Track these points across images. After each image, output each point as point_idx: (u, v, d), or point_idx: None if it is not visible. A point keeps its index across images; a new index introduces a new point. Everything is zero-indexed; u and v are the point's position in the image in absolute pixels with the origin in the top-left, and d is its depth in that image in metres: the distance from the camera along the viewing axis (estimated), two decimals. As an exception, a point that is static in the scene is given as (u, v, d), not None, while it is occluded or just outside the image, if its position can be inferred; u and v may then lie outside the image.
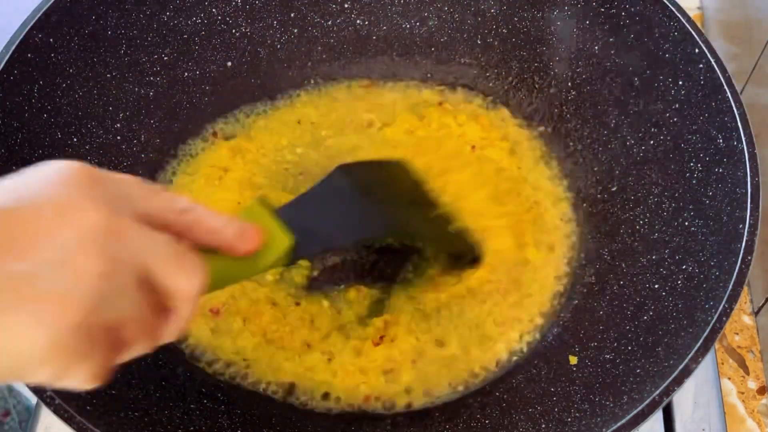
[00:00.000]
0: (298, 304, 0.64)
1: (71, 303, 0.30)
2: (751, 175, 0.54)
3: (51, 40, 0.62)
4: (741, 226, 0.53)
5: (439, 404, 0.61)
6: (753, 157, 0.55)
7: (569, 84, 0.72)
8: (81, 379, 0.32)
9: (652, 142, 0.65)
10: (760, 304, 0.71)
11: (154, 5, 0.69)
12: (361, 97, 0.77)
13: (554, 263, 0.67)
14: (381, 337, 0.63)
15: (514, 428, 0.56)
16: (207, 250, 0.38)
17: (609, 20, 0.67)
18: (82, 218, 0.31)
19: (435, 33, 0.77)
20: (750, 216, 0.53)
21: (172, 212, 0.36)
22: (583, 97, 0.71)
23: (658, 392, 0.48)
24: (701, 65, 0.59)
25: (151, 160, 0.70)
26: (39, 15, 0.61)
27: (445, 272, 0.65)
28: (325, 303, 0.64)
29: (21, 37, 0.60)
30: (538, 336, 0.64)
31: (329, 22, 0.77)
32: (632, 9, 0.65)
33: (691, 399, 0.66)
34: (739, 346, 0.71)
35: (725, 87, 0.58)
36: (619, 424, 0.48)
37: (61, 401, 0.47)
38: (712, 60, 0.59)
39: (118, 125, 0.68)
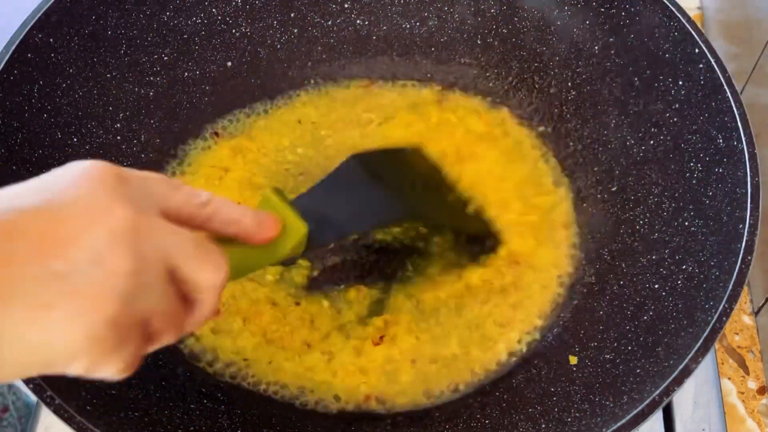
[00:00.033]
0: (298, 304, 0.64)
1: (105, 300, 0.31)
2: (751, 175, 0.54)
3: (51, 40, 0.62)
4: (741, 226, 0.53)
5: (439, 404, 0.61)
6: (753, 157, 0.55)
7: (569, 84, 0.72)
8: (114, 369, 0.33)
9: (652, 142, 0.65)
10: (760, 304, 0.71)
11: (154, 5, 0.69)
12: (361, 97, 0.77)
13: (554, 263, 0.67)
14: (381, 337, 0.63)
15: (514, 428, 0.56)
16: (225, 240, 0.39)
17: (609, 20, 0.67)
18: (111, 218, 0.32)
19: (435, 33, 0.77)
20: (750, 216, 0.53)
21: (194, 206, 0.37)
22: (583, 97, 0.71)
23: (658, 392, 0.48)
24: (701, 65, 0.59)
25: (151, 160, 0.70)
26: (39, 15, 0.61)
27: (463, 259, 0.65)
28: (325, 303, 0.64)
29: (21, 37, 0.60)
30: (538, 336, 0.64)
31: (329, 22, 0.77)
32: (632, 9, 0.65)
33: (691, 399, 0.66)
34: (739, 346, 0.71)
35: (725, 87, 0.58)
36: (619, 424, 0.48)
37: (61, 401, 0.47)
38: (712, 60, 0.59)
39: (118, 125, 0.68)
